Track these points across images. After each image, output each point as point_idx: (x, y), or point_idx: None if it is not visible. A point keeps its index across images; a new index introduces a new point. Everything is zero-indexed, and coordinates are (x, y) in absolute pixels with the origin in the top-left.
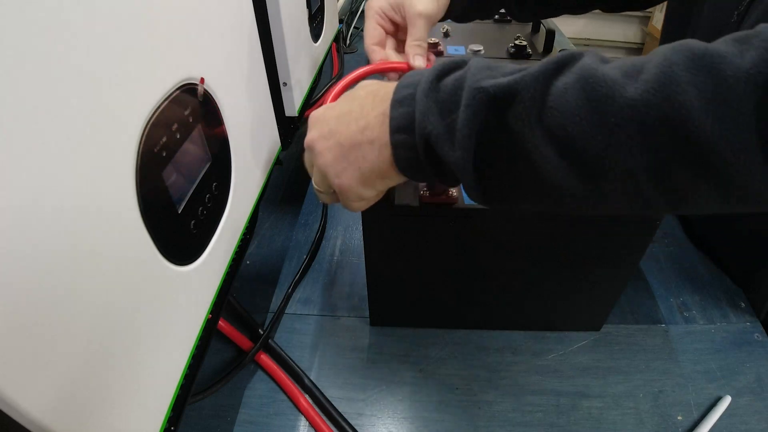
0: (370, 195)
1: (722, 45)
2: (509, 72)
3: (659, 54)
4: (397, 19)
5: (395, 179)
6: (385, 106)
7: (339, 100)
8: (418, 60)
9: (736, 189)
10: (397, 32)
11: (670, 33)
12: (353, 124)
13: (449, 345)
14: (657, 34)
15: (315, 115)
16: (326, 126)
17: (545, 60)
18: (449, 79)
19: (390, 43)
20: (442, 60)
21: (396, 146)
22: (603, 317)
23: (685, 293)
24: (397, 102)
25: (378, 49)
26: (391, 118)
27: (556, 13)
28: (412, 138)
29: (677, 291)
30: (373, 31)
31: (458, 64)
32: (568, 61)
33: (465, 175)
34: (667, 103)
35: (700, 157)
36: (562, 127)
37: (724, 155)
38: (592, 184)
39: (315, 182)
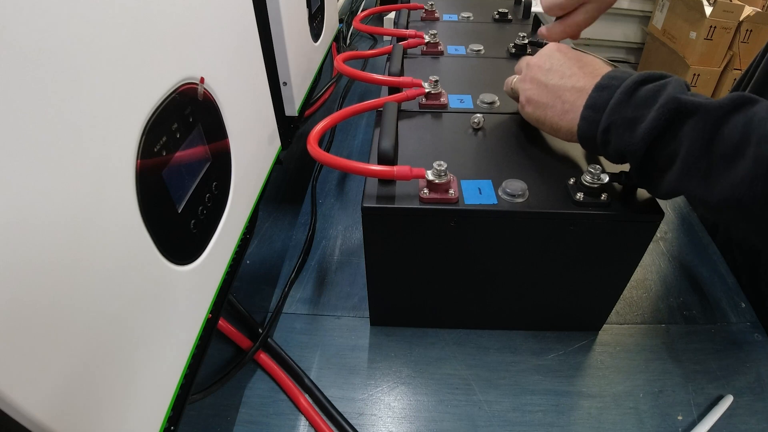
0: (539, 126)
1: None
2: (700, 96)
3: None
4: None
5: (565, 137)
6: (588, 83)
7: (557, 56)
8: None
9: None
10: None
11: None
12: (567, 81)
13: (449, 345)
14: (657, 34)
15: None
16: (541, 74)
17: (730, 95)
18: (650, 86)
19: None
20: (647, 71)
21: (583, 117)
22: (603, 317)
23: (685, 293)
24: (600, 86)
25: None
26: (589, 96)
27: None
28: (598, 117)
29: (677, 291)
30: None
31: (661, 76)
32: (746, 102)
33: (634, 158)
34: None
35: None
36: (723, 151)
37: None
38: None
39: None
